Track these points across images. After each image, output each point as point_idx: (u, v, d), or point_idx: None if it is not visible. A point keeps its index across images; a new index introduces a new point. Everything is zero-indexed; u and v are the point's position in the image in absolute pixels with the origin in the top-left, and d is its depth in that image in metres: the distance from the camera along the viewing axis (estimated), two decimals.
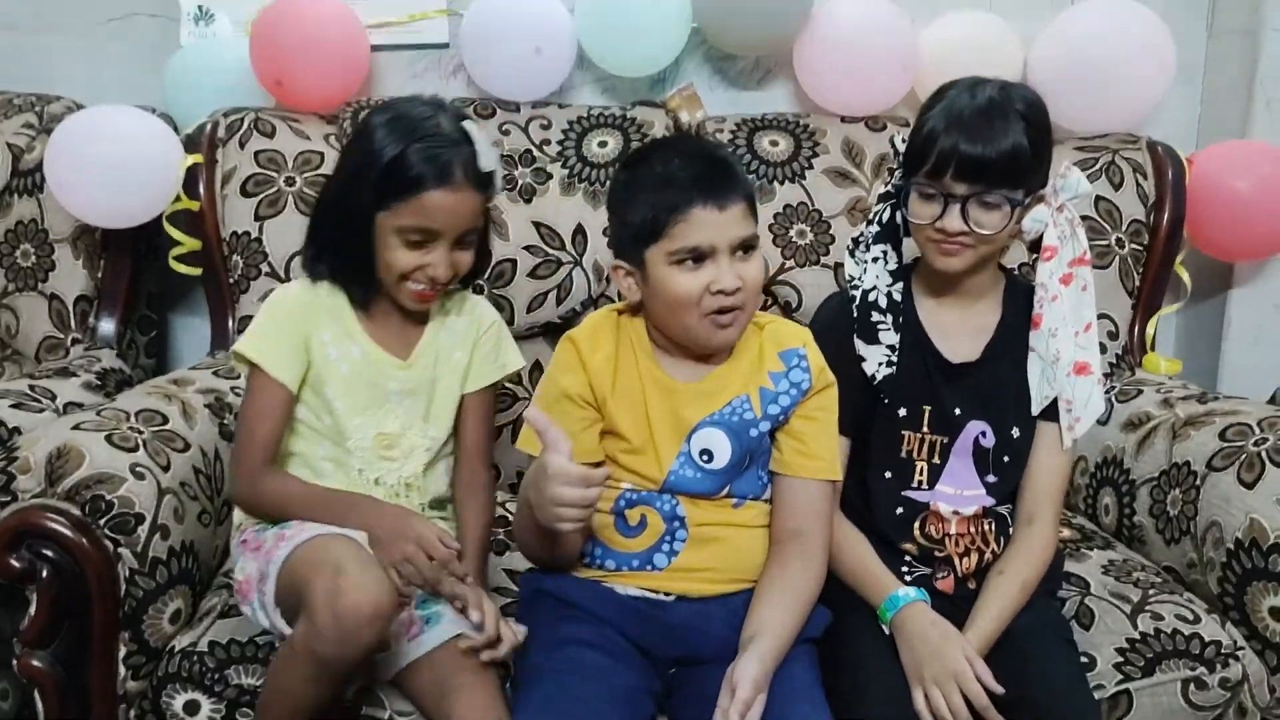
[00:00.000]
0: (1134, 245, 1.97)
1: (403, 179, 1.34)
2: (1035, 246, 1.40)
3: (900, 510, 1.43)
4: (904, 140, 1.41)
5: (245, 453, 1.42)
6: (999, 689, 1.26)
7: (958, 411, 1.42)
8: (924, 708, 1.27)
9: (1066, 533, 1.70)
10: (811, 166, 1.96)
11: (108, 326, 1.99)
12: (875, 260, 1.45)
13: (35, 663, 1.35)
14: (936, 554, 1.42)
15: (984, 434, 1.42)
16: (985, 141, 1.30)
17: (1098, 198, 1.94)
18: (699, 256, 1.26)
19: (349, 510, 1.36)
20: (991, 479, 1.43)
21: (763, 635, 1.24)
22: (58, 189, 1.85)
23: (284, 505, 1.39)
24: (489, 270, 1.85)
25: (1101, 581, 1.55)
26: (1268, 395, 1.86)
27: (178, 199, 1.90)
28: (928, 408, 1.43)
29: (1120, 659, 1.41)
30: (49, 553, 1.34)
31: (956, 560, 1.41)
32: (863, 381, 1.42)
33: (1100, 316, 1.85)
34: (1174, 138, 2.06)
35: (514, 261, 1.89)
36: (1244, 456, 1.52)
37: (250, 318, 1.54)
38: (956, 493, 1.43)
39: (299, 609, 1.22)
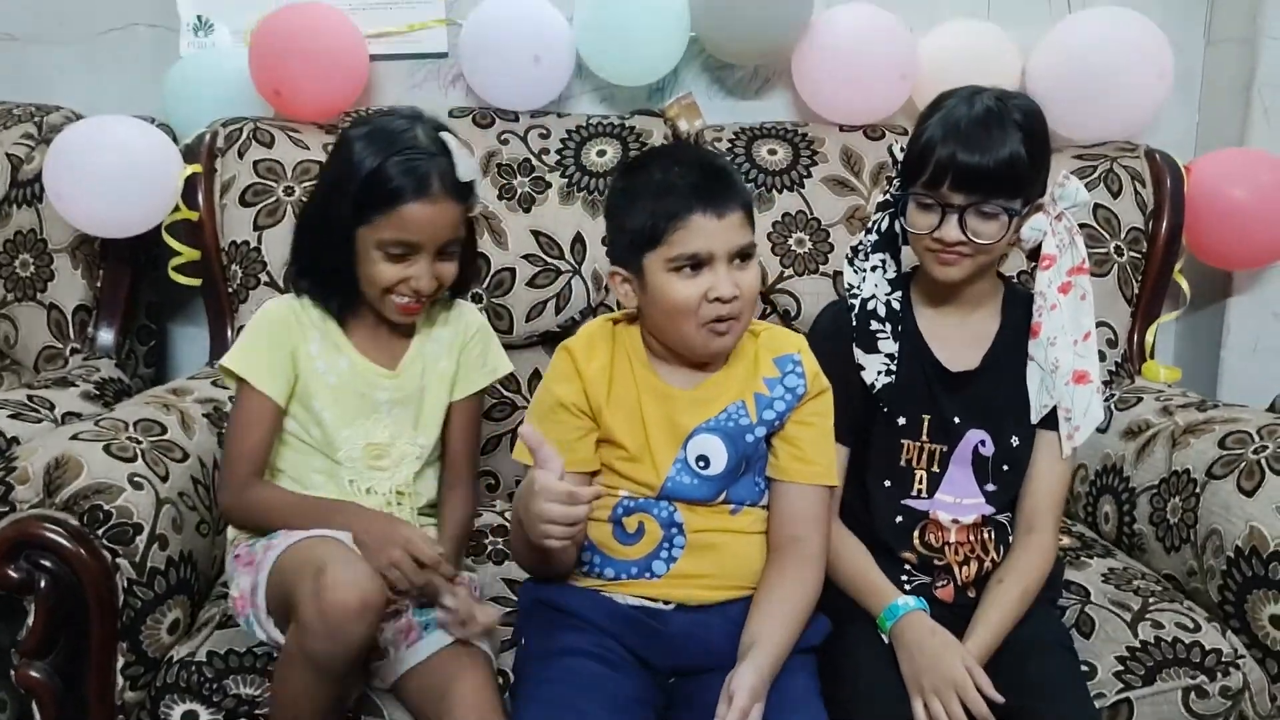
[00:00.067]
0: (1133, 253, 1.97)
1: (381, 192, 1.34)
2: (1034, 255, 1.40)
3: (900, 519, 1.43)
4: (902, 149, 1.41)
5: (232, 465, 1.42)
6: (999, 698, 1.25)
7: (957, 420, 1.42)
8: (923, 717, 1.26)
9: (1066, 541, 1.70)
10: (810, 175, 1.96)
11: (106, 336, 2.00)
12: (874, 269, 1.45)
13: (33, 673, 1.35)
14: (936, 563, 1.42)
15: (983, 442, 1.42)
16: (982, 151, 1.30)
17: (1096, 206, 1.94)
18: (697, 264, 1.27)
19: (334, 516, 1.36)
20: (991, 487, 1.43)
21: (760, 644, 1.24)
22: (57, 199, 1.85)
23: (269, 514, 1.39)
24: (488, 279, 1.86)
25: (1102, 590, 1.54)
26: (1267, 403, 1.86)
27: (177, 209, 1.91)
28: (927, 416, 1.43)
29: (1121, 667, 1.40)
30: (47, 563, 1.34)
31: (956, 569, 1.41)
32: (862, 390, 1.42)
33: (1099, 324, 1.85)
34: (1172, 146, 2.06)
35: (513, 270, 1.89)
36: (1244, 464, 1.52)
37: None
38: (956, 501, 1.43)
39: (290, 614, 1.22)
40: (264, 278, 1.88)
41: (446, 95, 2.15)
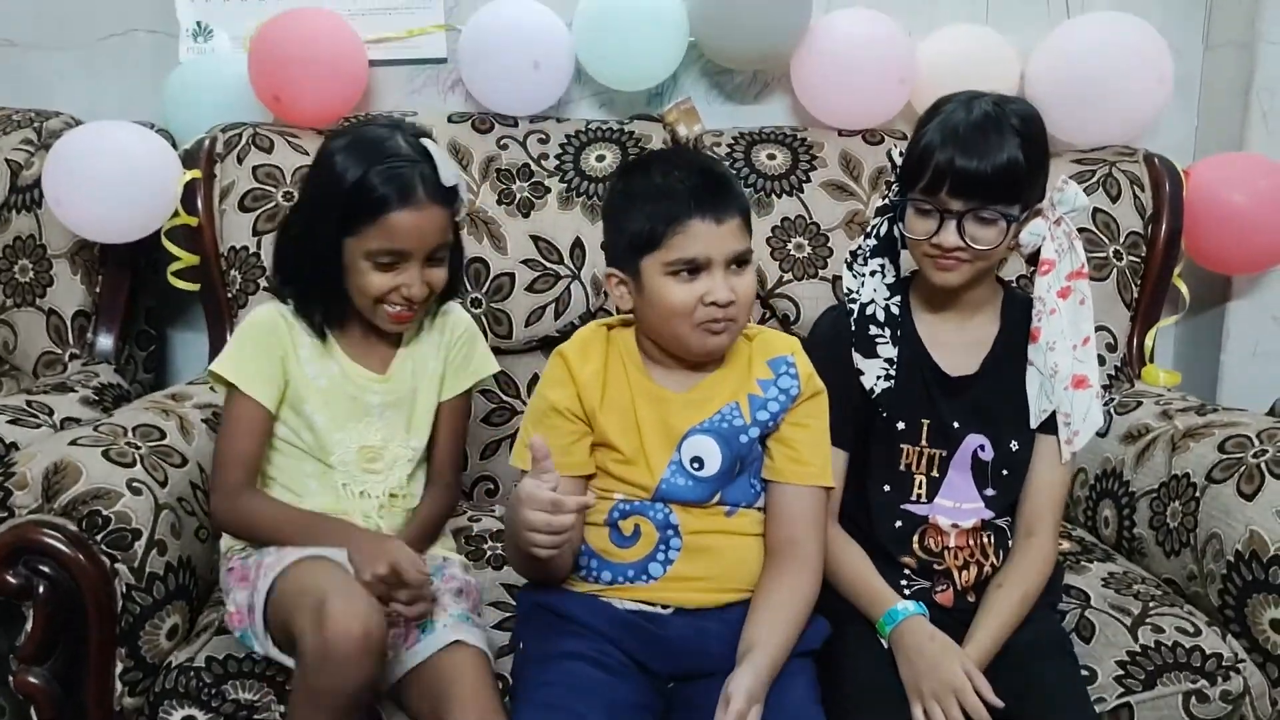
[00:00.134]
0: (1132, 257, 1.97)
1: (366, 202, 1.34)
2: (1033, 260, 1.40)
3: (899, 523, 1.43)
4: (901, 154, 1.41)
5: (222, 472, 1.41)
6: (998, 703, 1.25)
7: (956, 425, 1.42)
8: None
9: (1066, 545, 1.70)
10: (809, 180, 1.96)
11: (106, 342, 2.00)
12: (873, 274, 1.45)
13: (31, 679, 1.35)
14: (935, 567, 1.41)
15: (983, 447, 1.42)
16: (980, 157, 1.30)
17: (1095, 210, 1.94)
18: (694, 268, 1.27)
19: (326, 534, 1.35)
20: (990, 492, 1.43)
21: (758, 648, 1.24)
22: (56, 205, 1.85)
23: (260, 526, 1.39)
24: (487, 283, 1.86)
25: (1101, 594, 1.54)
26: (1266, 407, 1.86)
27: (176, 214, 1.90)
28: (926, 421, 1.43)
29: (1121, 672, 1.40)
30: (45, 568, 1.34)
31: (955, 573, 1.41)
32: (861, 395, 1.42)
33: (1099, 328, 1.85)
34: (1171, 150, 2.07)
35: (512, 275, 1.89)
36: (1243, 468, 1.52)
37: None
38: (955, 506, 1.42)
39: (293, 643, 1.22)
40: (263, 283, 1.88)
41: (446, 101, 2.15)
